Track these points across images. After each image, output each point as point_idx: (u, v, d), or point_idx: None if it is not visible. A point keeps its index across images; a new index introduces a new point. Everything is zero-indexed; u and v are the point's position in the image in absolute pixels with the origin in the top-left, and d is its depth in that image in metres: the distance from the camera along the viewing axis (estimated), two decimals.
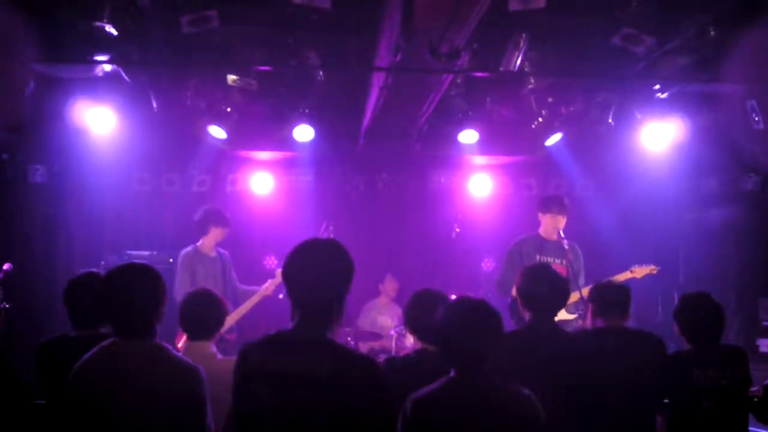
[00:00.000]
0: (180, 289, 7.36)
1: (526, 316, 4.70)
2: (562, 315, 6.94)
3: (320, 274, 3.16)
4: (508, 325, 5.42)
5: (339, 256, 3.23)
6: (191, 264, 7.63)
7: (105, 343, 3.55)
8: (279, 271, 7.45)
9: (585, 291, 6.40)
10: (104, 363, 3.49)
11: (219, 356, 4.73)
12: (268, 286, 7.60)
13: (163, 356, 3.52)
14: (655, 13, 6.87)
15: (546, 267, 5.08)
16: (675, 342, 5.62)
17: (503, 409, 3.39)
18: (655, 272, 7.44)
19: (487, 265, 9.98)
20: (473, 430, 3.32)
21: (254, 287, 7.73)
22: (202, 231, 7.76)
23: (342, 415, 2.98)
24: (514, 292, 6.10)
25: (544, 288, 4.65)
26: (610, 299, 5.01)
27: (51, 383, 4.07)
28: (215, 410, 3.64)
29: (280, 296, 7.25)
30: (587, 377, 4.45)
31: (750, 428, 4.93)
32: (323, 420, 2.98)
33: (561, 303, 4.74)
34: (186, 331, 4.80)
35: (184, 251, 7.75)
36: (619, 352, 4.73)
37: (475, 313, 3.51)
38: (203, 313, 4.78)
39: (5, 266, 7.19)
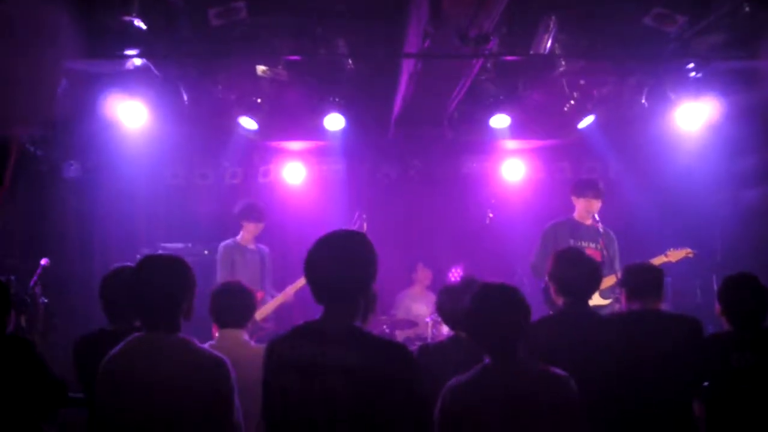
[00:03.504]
0: (221, 279, 7.48)
1: (559, 301, 4.66)
2: (597, 300, 6.90)
3: (338, 267, 3.13)
4: (543, 309, 5.37)
5: (358, 248, 3.21)
6: (230, 256, 7.80)
7: (131, 337, 3.56)
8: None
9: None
10: (129, 357, 3.49)
11: (252, 344, 4.76)
12: (288, 291, 7.68)
13: (187, 349, 3.52)
14: None
15: (577, 251, 5.04)
16: (714, 325, 5.55)
17: (540, 393, 3.38)
18: (691, 255, 7.34)
19: (522, 250, 9.93)
20: (511, 416, 3.32)
21: (277, 294, 7.84)
22: (239, 225, 7.94)
23: (372, 403, 2.96)
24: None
25: (575, 272, 4.61)
26: (642, 281, 4.95)
27: (88, 378, 4.09)
28: (252, 396, 3.64)
29: None
30: (622, 361, 4.41)
31: None
32: (353, 408, 2.97)
33: (594, 286, 4.70)
34: (216, 319, 4.85)
35: (223, 243, 7.90)
36: (655, 335, 4.68)
37: (499, 299, 3.49)
38: (229, 303, 4.81)
39: (43, 261, 7.25)
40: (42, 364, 4.51)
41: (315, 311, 3.25)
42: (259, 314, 7.14)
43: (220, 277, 7.58)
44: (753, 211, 9.15)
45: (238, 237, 7.93)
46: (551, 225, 7.52)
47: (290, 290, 7.64)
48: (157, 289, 3.56)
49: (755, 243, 9.03)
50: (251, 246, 7.94)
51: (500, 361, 3.44)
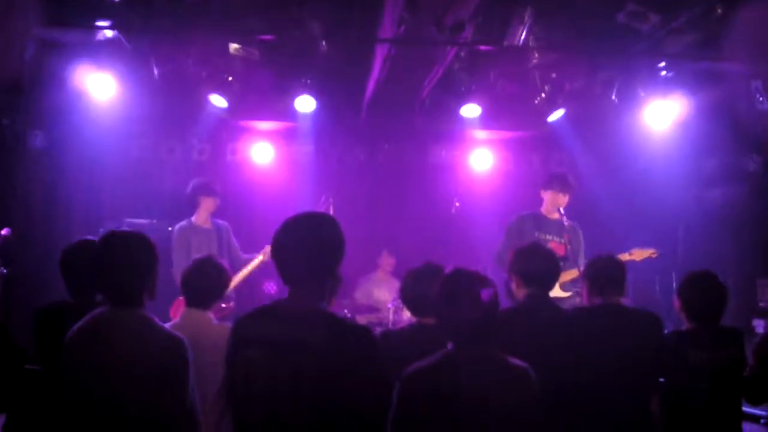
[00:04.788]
0: (176, 262, 7.39)
1: (520, 294, 4.73)
2: (557, 292, 6.98)
3: (307, 250, 3.15)
4: (506, 301, 5.41)
5: (327, 231, 3.23)
6: (186, 237, 7.67)
7: (96, 311, 3.56)
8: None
9: None
10: (92, 332, 3.49)
11: (215, 321, 4.74)
12: (265, 252, 7.59)
13: (147, 326, 3.52)
14: None
15: (537, 245, 5.14)
16: (672, 321, 5.62)
17: (500, 382, 3.40)
18: (655, 256, 7.38)
19: (487, 240, 9.97)
20: (470, 403, 3.33)
21: (254, 254, 7.73)
22: (194, 205, 7.80)
23: (334, 382, 2.99)
24: None
25: (534, 265, 4.73)
26: (604, 275, 4.99)
27: (47, 349, 4.06)
28: (211, 375, 3.65)
29: None
30: (582, 354, 4.46)
31: (744, 408, 4.94)
32: (315, 386, 2.99)
33: (553, 279, 4.86)
34: (186, 297, 4.80)
35: (178, 225, 7.78)
36: (616, 329, 4.73)
37: (473, 285, 3.50)
38: (206, 281, 4.79)
39: (3, 231, 7.17)
40: (4, 330, 4.47)
41: (281, 293, 3.26)
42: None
43: (176, 260, 7.44)
44: (715, 210, 9.26)
45: (194, 217, 7.79)
46: (517, 217, 7.56)
47: (267, 251, 7.57)
48: (122, 265, 3.55)
49: (716, 242, 9.15)
50: (207, 225, 7.81)
51: (464, 349, 3.45)
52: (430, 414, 3.33)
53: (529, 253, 4.89)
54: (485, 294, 3.49)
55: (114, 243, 3.64)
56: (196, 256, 7.08)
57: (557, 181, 7.48)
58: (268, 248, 7.56)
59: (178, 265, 7.23)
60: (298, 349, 3.01)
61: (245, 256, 7.82)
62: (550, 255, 4.92)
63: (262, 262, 7.60)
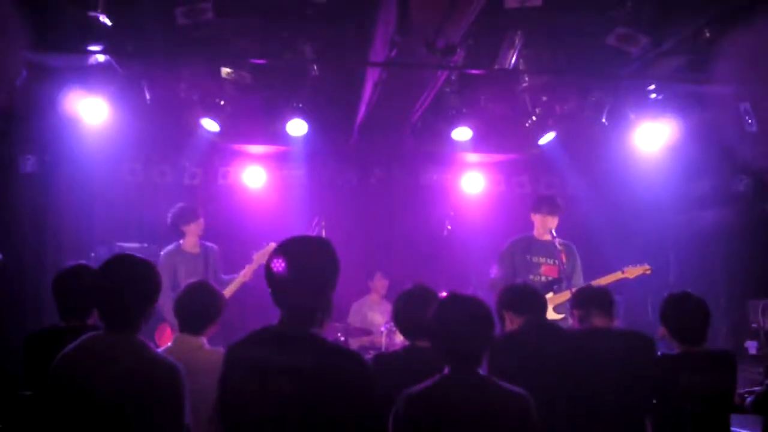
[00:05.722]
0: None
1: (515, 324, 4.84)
2: (551, 314, 6.98)
3: (301, 276, 3.14)
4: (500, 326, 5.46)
5: (321, 257, 3.22)
6: (172, 262, 7.60)
7: (89, 335, 3.53)
8: (256, 254, 7.47)
9: None
10: (85, 355, 3.47)
11: (207, 346, 4.70)
12: (246, 272, 7.57)
13: (142, 352, 3.49)
14: (650, 13, 6.87)
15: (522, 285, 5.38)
16: (665, 343, 5.62)
17: (497, 407, 3.40)
18: (648, 272, 7.42)
19: (478, 263, 9.97)
20: (467, 428, 3.32)
21: (234, 275, 7.69)
22: (178, 233, 7.75)
23: (323, 407, 2.98)
24: None
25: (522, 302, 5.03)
26: (592, 302, 5.05)
27: (37, 374, 4.04)
28: (201, 400, 3.62)
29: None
30: (577, 378, 4.46)
31: (733, 429, 4.94)
32: (304, 411, 2.98)
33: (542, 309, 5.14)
34: (180, 322, 4.76)
35: (165, 250, 7.72)
36: (609, 352, 4.74)
37: (470, 309, 3.51)
38: (199, 307, 4.75)
39: None
40: None
41: (266, 315, 3.26)
42: None
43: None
44: (706, 232, 9.28)
45: (182, 242, 7.73)
46: (508, 244, 7.59)
47: (248, 271, 7.57)
48: (127, 290, 3.53)
49: (707, 264, 9.17)
50: (194, 250, 7.74)
51: (460, 373, 3.45)
52: None
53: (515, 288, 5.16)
54: (479, 319, 3.50)
55: (122, 267, 3.62)
56: (183, 281, 7.10)
57: (545, 204, 7.50)
58: (248, 268, 7.56)
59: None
60: (289, 374, 2.99)
61: (226, 277, 7.76)
62: (532, 292, 5.17)
63: (243, 282, 7.59)
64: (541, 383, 3.81)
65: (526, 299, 5.00)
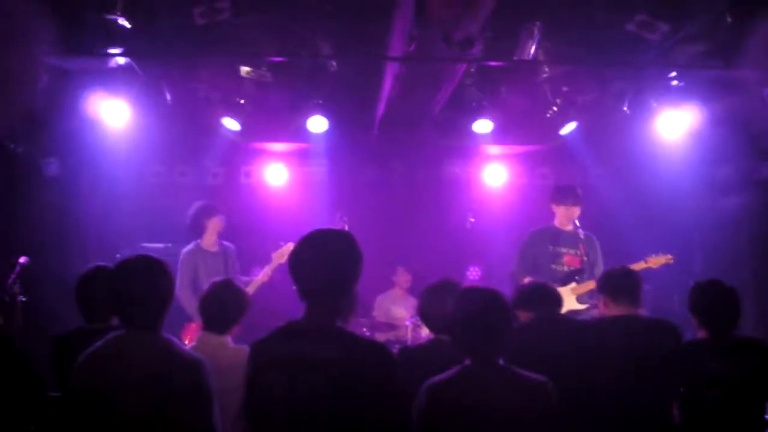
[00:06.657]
0: (181, 286, 7.29)
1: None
2: (573, 305, 6.99)
3: (325, 267, 3.14)
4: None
5: (345, 248, 3.21)
6: (193, 261, 7.61)
7: (112, 335, 3.55)
8: (274, 254, 7.48)
9: None
10: (109, 355, 3.48)
11: (231, 344, 4.71)
12: (266, 272, 7.58)
13: (168, 349, 3.50)
14: None
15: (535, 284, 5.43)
16: (691, 330, 5.58)
17: (518, 395, 3.40)
18: (672, 262, 7.35)
19: (501, 255, 9.95)
20: (488, 417, 3.33)
21: (252, 277, 7.69)
22: (200, 230, 7.73)
23: (352, 400, 2.98)
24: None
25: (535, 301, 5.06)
26: (619, 286, 5.00)
27: (65, 376, 4.07)
28: (227, 398, 3.63)
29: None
30: (602, 366, 4.45)
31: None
32: (333, 404, 2.98)
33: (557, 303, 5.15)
34: (204, 321, 4.77)
35: (186, 249, 7.71)
36: (634, 340, 4.72)
37: (488, 302, 3.52)
38: (225, 306, 4.75)
39: (21, 260, 7.17)
40: (24, 360, 4.47)
41: (287, 313, 3.26)
42: None
43: (180, 283, 7.24)
44: (732, 219, 9.21)
45: (202, 240, 7.72)
46: (530, 233, 7.56)
47: (267, 270, 7.56)
48: (142, 289, 3.54)
49: (732, 250, 9.09)
50: (214, 249, 7.73)
51: (480, 364, 3.45)
52: (450, 426, 3.32)
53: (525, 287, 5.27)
54: (496, 309, 3.50)
55: (133, 267, 3.62)
56: (203, 280, 7.12)
57: (565, 194, 7.47)
58: (266, 269, 7.55)
59: (181, 288, 7.21)
60: (316, 369, 3.00)
61: (244, 278, 7.73)
62: (546, 290, 5.19)
63: (263, 282, 7.58)
64: (562, 371, 3.80)
65: (536, 296, 5.04)
